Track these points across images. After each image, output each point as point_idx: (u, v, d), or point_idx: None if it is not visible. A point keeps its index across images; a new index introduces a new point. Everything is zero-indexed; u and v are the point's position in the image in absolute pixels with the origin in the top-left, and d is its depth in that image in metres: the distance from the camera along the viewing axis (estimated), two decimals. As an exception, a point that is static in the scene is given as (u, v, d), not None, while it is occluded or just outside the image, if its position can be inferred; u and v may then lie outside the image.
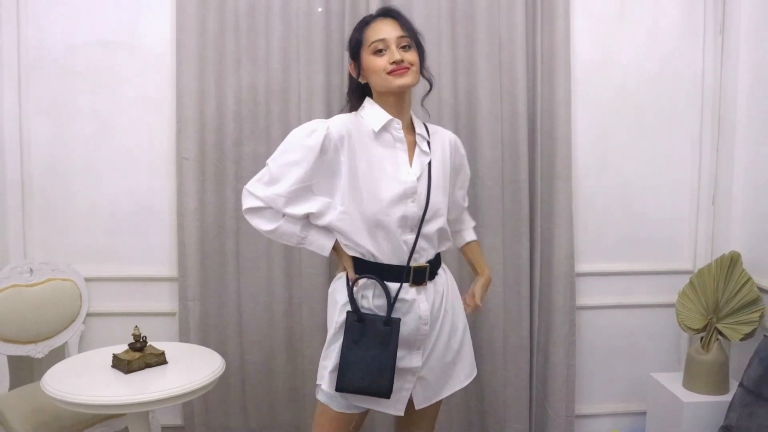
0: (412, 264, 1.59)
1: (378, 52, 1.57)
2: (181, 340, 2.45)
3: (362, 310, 1.57)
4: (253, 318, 2.48)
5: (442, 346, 1.66)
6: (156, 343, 2.07)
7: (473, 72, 2.44)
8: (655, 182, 2.63)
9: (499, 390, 2.52)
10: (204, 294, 2.46)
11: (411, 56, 1.58)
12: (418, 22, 2.33)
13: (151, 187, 2.52)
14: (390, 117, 1.61)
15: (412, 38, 1.61)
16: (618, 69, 2.57)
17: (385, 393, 1.53)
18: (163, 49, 2.47)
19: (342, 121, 1.58)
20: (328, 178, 1.56)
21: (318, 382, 1.61)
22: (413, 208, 1.58)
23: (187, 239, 2.43)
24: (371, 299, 1.58)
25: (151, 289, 2.54)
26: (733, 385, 2.20)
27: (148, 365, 1.94)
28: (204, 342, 2.41)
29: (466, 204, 1.89)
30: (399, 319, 1.55)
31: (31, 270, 2.34)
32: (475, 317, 2.47)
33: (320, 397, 1.61)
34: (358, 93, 1.69)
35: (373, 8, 2.35)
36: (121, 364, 1.91)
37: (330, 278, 2.42)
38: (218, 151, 2.43)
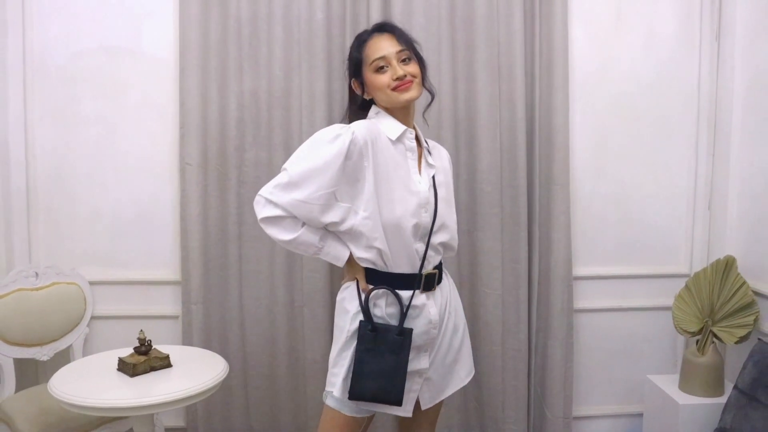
0: (423, 271, 1.62)
1: (380, 69, 1.59)
2: (184, 343, 2.47)
3: (375, 319, 1.59)
4: (255, 321, 2.51)
5: (446, 346, 1.71)
6: (160, 347, 2.10)
7: (472, 78, 2.47)
8: (652, 187, 2.66)
9: (497, 392, 2.55)
10: (207, 297, 2.48)
11: (412, 68, 1.61)
12: (418, 29, 2.37)
13: (155, 192, 2.54)
14: (405, 127, 1.64)
15: (411, 50, 1.63)
16: (615, 76, 2.60)
17: (397, 401, 1.56)
18: (167, 55, 2.49)
19: (365, 126, 1.58)
20: (350, 183, 1.55)
21: (329, 389, 1.62)
22: (426, 218, 1.62)
23: (190, 243, 2.46)
24: (384, 308, 1.61)
25: (155, 292, 2.57)
26: (728, 388, 2.23)
27: (153, 369, 1.97)
28: (207, 344, 2.44)
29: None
30: (411, 330, 1.58)
31: (37, 274, 2.38)
32: (474, 320, 2.50)
33: (330, 402, 1.61)
34: (362, 108, 1.71)
35: (374, 14, 2.39)
36: (127, 368, 1.94)
37: (331, 281, 2.46)
38: (221, 156, 2.46)
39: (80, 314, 2.47)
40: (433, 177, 1.68)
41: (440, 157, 1.78)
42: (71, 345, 2.44)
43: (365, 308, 1.59)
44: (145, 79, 2.50)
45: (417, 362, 1.64)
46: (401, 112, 1.64)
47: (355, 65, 1.65)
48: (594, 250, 2.66)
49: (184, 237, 2.47)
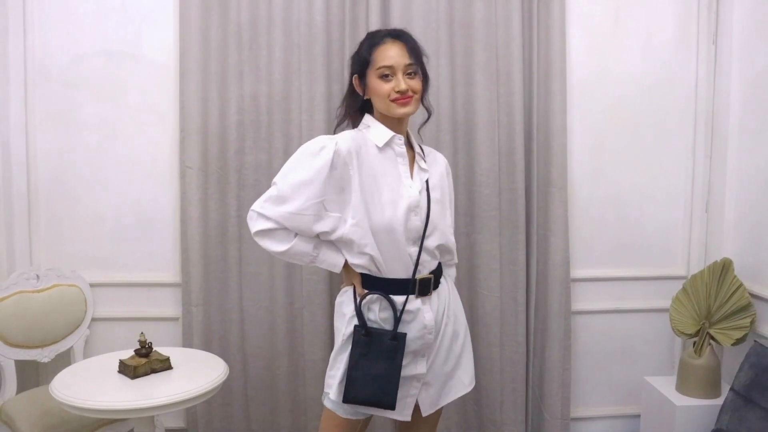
0: (417, 276, 1.63)
1: (384, 76, 1.61)
2: (184, 345, 2.49)
3: (369, 323, 1.61)
4: (254, 323, 2.52)
5: (445, 352, 1.71)
6: (161, 349, 2.11)
7: (471, 82, 2.48)
8: (650, 190, 2.67)
9: (495, 393, 2.56)
10: (207, 299, 2.50)
11: (415, 84, 1.62)
12: (416, 34, 2.34)
13: (155, 195, 2.56)
14: (393, 133, 1.65)
15: (419, 65, 1.64)
16: (613, 79, 2.61)
17: (390, 405, 1.58)
18: (167, 59, 2.51)
19: (349, 137, 1.61)
20: (337, 192, 1.58)
21: (326, 390, 1.66)
22: (416, 222, 1.63)
23: (191, 246, 2.47)
24: (377, 312, 1.63)
25: (155, 294, 2.58)
26: (725, 389, 2.24)
27: (154, 371, 1.99)
28: (207, 346, 2.46)
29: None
30: (405, 334, 1.60)
31: (38, 276, 2.39)
32: (472, 322, 2.51)
33: (327, 403, 1.65)
34: (359, 106, 1.73)
35: (373, 19, 2.40)
36: (128, 370, 1.96)
37: (330, 284, 2.48)
38: (221, 159, 2.47)
39: (81, 316, 2.49)
40: (427, 181, 1.69)
41: (435, 162, 1.79)
42: (72, 347, 2.46)
43: (359, 312, 1.61)
44: (145, 83, 2.52)
45: (413, 367, 1.65)
46: (394, 120, 1.66)
47: (362, 64, 1.66)
48: (591, 253, 2.68)
49: (185, 239, 2.49)
